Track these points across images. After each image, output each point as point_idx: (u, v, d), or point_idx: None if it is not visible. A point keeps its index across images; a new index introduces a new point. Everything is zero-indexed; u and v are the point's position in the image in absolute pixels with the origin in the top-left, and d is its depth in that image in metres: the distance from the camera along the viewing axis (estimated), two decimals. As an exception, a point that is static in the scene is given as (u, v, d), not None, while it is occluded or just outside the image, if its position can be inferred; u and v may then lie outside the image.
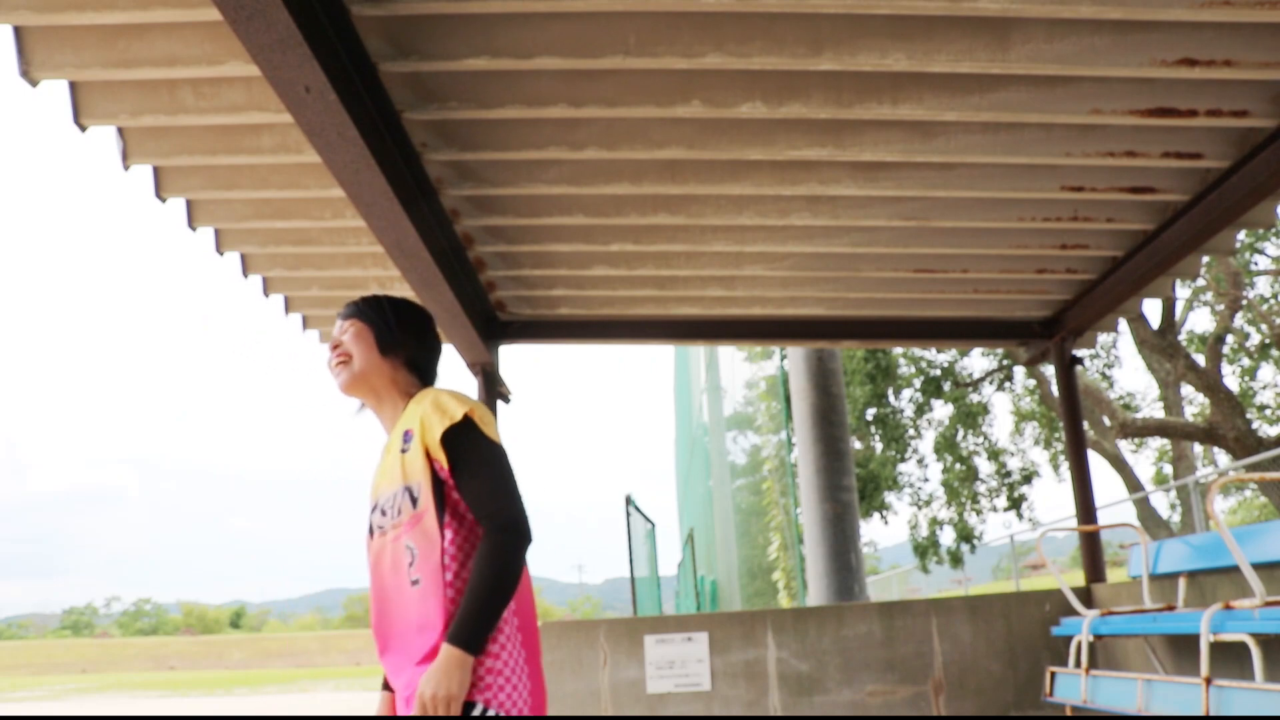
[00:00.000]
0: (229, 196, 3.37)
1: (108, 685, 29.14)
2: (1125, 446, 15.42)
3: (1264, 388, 16.11)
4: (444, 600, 1.59)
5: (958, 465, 14.89)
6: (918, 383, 14.90)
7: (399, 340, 1.85)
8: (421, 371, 1.86)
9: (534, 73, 2.82)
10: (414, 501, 1.65)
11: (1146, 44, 2.71)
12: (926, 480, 15.51)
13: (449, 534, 1.65)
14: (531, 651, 1.69)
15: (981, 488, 15.06)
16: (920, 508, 15.39)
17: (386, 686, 1.82)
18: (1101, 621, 3.81)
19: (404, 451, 1.69)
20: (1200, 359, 13.49)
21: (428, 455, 1.66)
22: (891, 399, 15.03)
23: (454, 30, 2.61)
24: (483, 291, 4.30)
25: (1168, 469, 17.95)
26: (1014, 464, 15.40)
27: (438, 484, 1.65)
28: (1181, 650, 3.66)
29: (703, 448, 11.38)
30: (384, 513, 1.70)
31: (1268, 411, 15.92)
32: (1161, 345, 12.31)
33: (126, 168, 3.01)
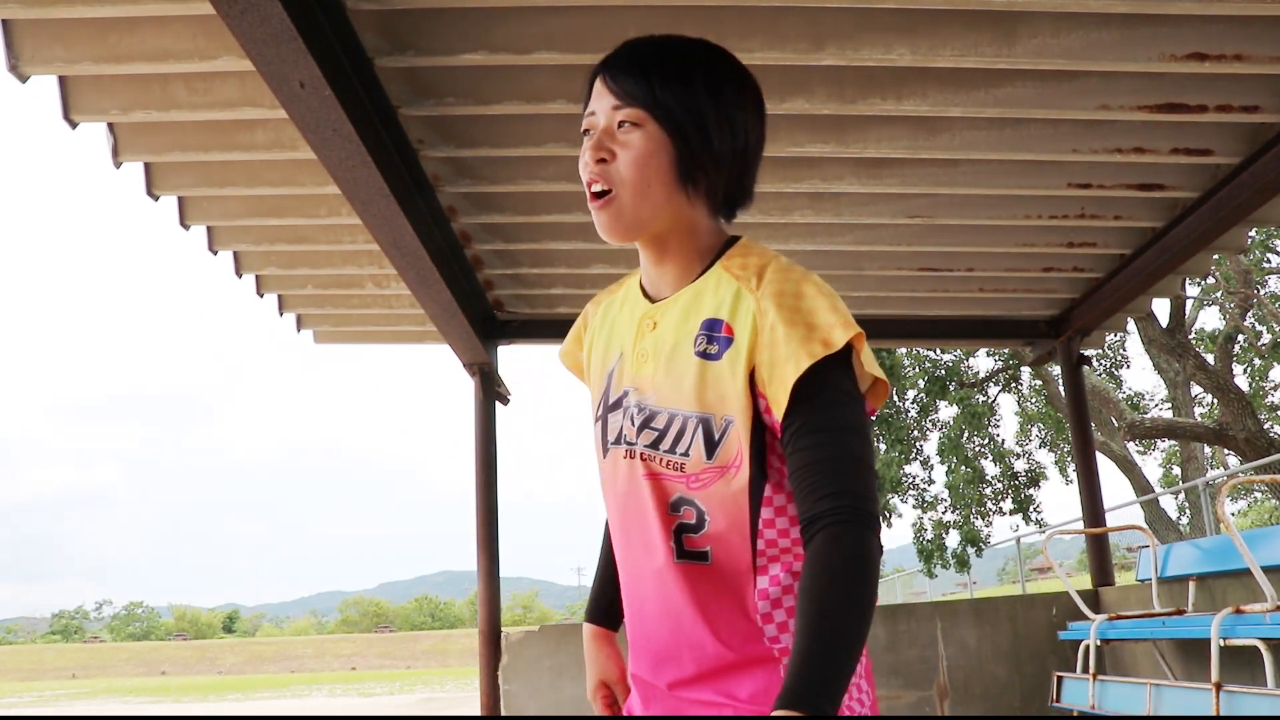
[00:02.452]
0: (222, 194, 3.34)
1: (98, 691, 29.25)
2: (1133, 448, 15.34)
3: (1275, 388, 16.03)
4: (751, 614, 1.04)
5: (963, 467, 14.82)
6: (922, 383, 14.84)
7: (716, 159, 1.09)
8: (734, 208, 1.16)
9: (532, 68, 2.78)
10: (711, 446, 1.03)
11: (1155, 38, 2.66)
12: (931, 482, 15.45)
13: (771, 514, 1.04)
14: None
15: (987, 490, 14.99)
16: (925, 510, 15.32)
17: (601, 617, 1.29)
18: (1109, 626, 3.76)
19: (709, 356, 1.04)
20: (1210, 358, 13.41)
21: (751, 379, 1.02)
22: (896, 399, 14.97)
23: (451, 25, 2.58)
24: (480, 290, 4.26)
25: (1176, 471, 17.86)
26: (1020, 466, 15.33)
27: (758, 428, 1.03)
28: (1191, 655, 3.60)
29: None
30: (636, 422, 1.08)
31: (1279, 412, 15.83)
32: (1170, 345, 12.23)
33: (118, 164, 2.98)
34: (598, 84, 1.11)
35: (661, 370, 1.08)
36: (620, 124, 1.07)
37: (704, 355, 1.05)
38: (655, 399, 1.08)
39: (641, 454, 1.07)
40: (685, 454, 1.04)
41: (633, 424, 1.09)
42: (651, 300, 1.15)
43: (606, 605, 1.29)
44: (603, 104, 1.09)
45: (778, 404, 1.00)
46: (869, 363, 1.03)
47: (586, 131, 1.11)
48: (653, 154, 1.06)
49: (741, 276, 1.08)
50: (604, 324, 1.22)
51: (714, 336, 1.05)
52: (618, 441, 1.11)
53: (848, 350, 1.01)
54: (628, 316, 1.17)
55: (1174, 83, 2.92)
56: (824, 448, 0.98)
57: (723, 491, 1.03)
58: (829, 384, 0.99)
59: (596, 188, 1.08)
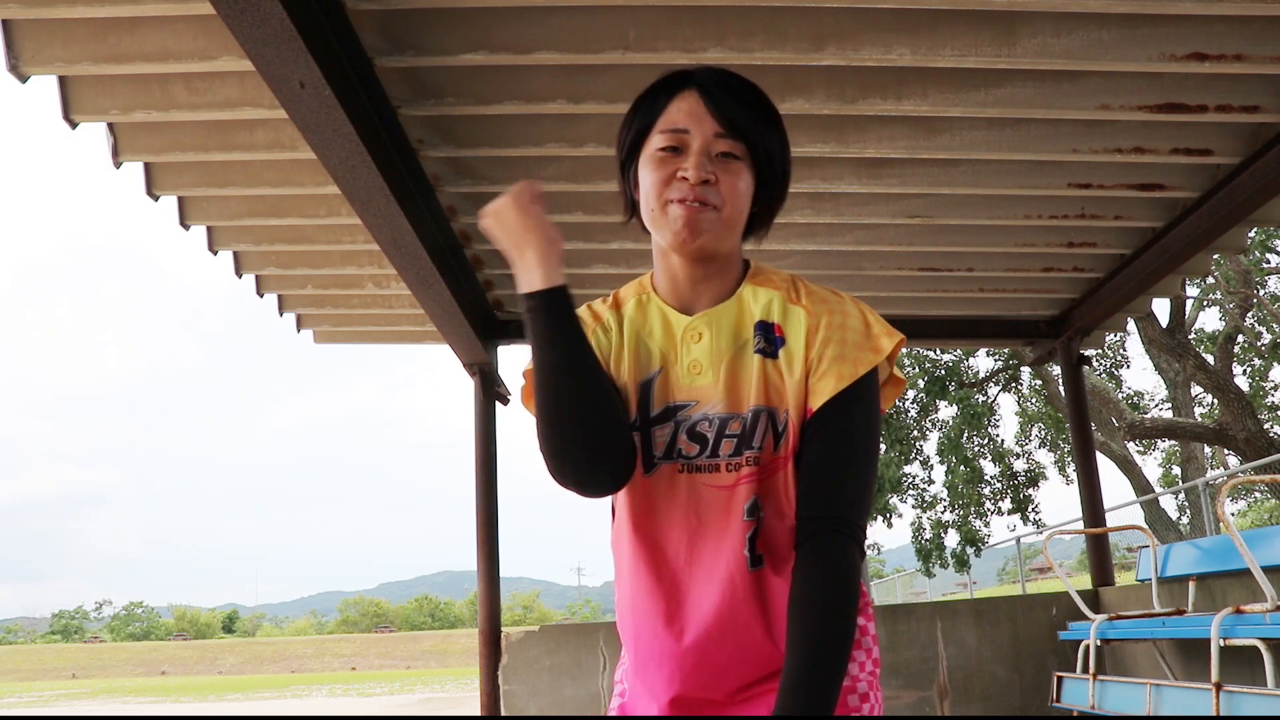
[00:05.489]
0: (222, 194, 3.34)
1: (98, 691, 29.26)
2: (1133, 448, 15.34)
3: (1275, 388, 16.03)
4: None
5: (963, 467, 14.82)
6: (922, 383, 14.84)
7: (779, 202, 1.18)
8: (757, 231, 1.23)
9: (532, 68, 2.78)
10: (777, 437, 1.07)
11: (1155, 38, 2.66)
12: (931, 482, 15.45)
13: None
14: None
15: (987, 490, 14.99)
16: (925, 510, 15.33)
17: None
18: (1109, 626, 3.76)
19: (766, 354, 1.10)
20: (1210, 358, 13.41)
21: (805, 381, 1.08)
22: (896, 399, 14.97)
23: (451, 25, 2.58)
24: (480, 290, 4.26)
25: (1176, 471, 17.87)
26: (1020, 466, 15.34)
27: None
28: (1191, 655, 3.60)
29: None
30: (700, 437, 1.10)
31: (1279, 412, 15.84)
32: (1170, 345, 12.23)
33: (118, 164, 2.98)
34: (690, 101, 1.11)
35: (724, 378, 1.11)
36: (720, 153, 1.10)
37: (763, 353, 1.11)
38: (724, 406, 1.10)
39: (725, 464, 1.08)
40: (759, 447, 1.08)
41: (697, 439, 1.10)
42: (682, 312, 1.15)
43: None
44: (702, 126, 1.09)
45: (819, 395, 1.07)
46: (895, 365, 1.15)
47: (672, 148, 1.10)
48: (749, 187, 1.12)
49: (776, 287, 1.16)
50: (628, 336, 1.17)
51: (769, 337, 1.12)
52: (669, 456, 1.10)
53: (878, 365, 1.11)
54: (661, 331, 1.15)
55: (1174, 83, 2.92)
56: (837, 452, 1.05)
57: (781, 483, 1.08)
58: (870, 392, 1.09)
59: (699, 207, 1.07)
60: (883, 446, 15.08)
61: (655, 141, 1.11)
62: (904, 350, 14.38)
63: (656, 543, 1.10)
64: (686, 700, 1.09)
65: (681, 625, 1.08)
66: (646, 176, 1.11)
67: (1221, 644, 2.88)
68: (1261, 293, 14.26)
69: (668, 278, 1.17)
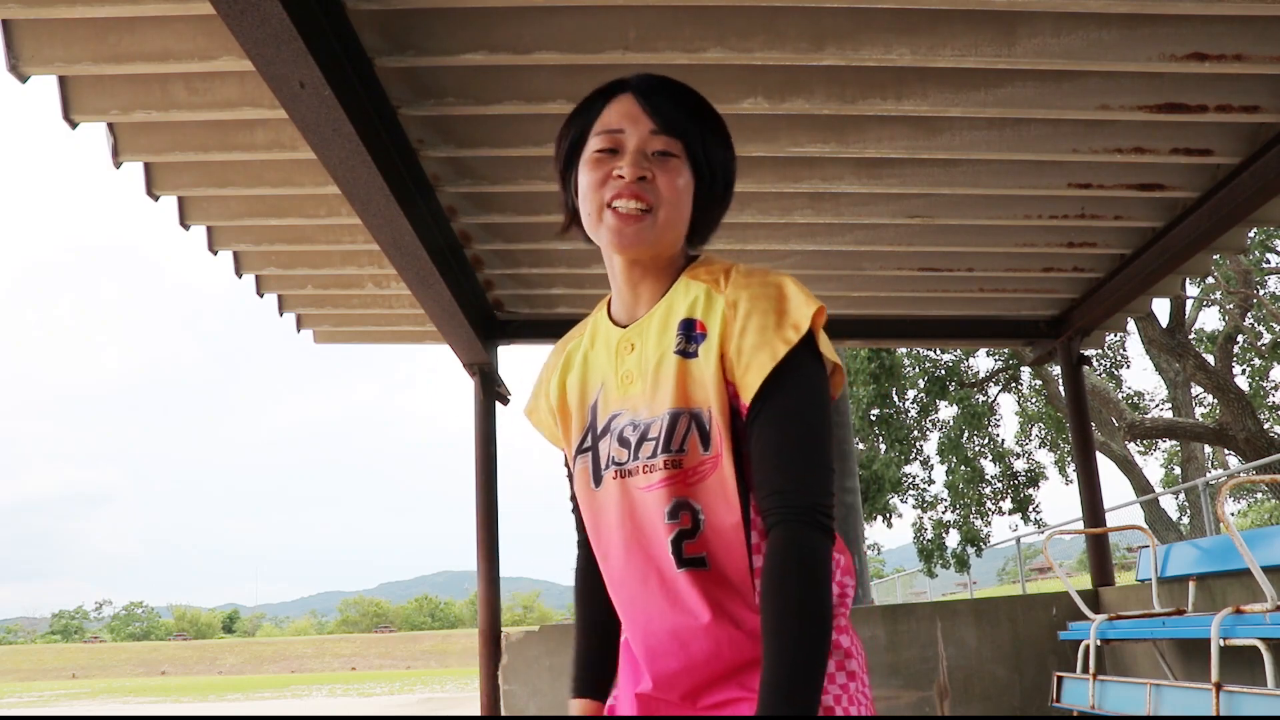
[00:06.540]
0: (222, 194, 3.34)
1: (98, 691, 29.28)
2: (1133, 448, 15.34)
3: (1275, 388, 16.03)
4: (752, 599, 1.06)
5: (963, 467, 14.82)
6: (922, 383, 14.84)
7: (720, 201, 1.19)
8: (703, 239, 1.22)
9: (532, 68, 2.78)
10: (705, 437, 1.06)
11: (1155, 38, 2.66)
12: (931, 482, 15.46)
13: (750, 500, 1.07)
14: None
15: (987, 490, 14.99)
16: (925, 510, 15.33)
17: (589, 691, 1.25)
18: (1109, 626, 3.76)
19: (688, 354, 1.08)
20: (1210, 358, 13.41)
21: (723, 369, 1.06)
22: (896, 399, 14.97)
23: (451, 24, 2.58)
24: (480, 290, 4.26)
25: (1177, 471, 17.87)
26: (1020, 465, 15.34)
27: (734, 416, 1.07)
28: (1191, 655, 3.60)
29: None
30: (625, 442, 1.11)
31: (1279, 412, 15.83)
32: (1170, 345, 12.23)
33: (118, 164, 2.98)
34: (626, 103, 1.13)
35: (650, 384, 1.11)
36: (655, 151, 1.11)
37: (683, 354, 1.09)
38: (648, 412, 1.10)
39: (643, 467, 1.09)
40: (682, 449, 1.07)
41: (624, 443, 1.12)
42: (623, 326, 1.18)
43: (596, 678, 1.25)
44: (638, 126, 1.11)
45: (748, 389, 1.04)
46: (827, 348, 1.07)
47: (608, 149, 1.12)
48: (689, 185, 1.13)
49: (707, 279, 1.13)
50: (576, 365, 1.22)
51: (691, 335, 1.10)
52: (608, 466, 1.13)
53: (813, 335, 1.06)
54: (603, 349, 1.19)
55: (1174, 83, 2.92)
56: (784, 438, 1.01)
57: (718, 482, 1.06)
58: (801, 371, 1.04)
59: (636, 205, 1.09)
60: (883, 447, 15.07)
61: (592, 144, 1.13)
62: (904, 350, 14.39)
63: (609, 551, 1.14)
64: (645, 698, 1.12)
65: (633, 629, 1.12)
66: (584, 179, 1.13)
67: (1221, 644, 2.88)
68: (1261, 293, 14.27)
69: (614, 284, 1.19)
